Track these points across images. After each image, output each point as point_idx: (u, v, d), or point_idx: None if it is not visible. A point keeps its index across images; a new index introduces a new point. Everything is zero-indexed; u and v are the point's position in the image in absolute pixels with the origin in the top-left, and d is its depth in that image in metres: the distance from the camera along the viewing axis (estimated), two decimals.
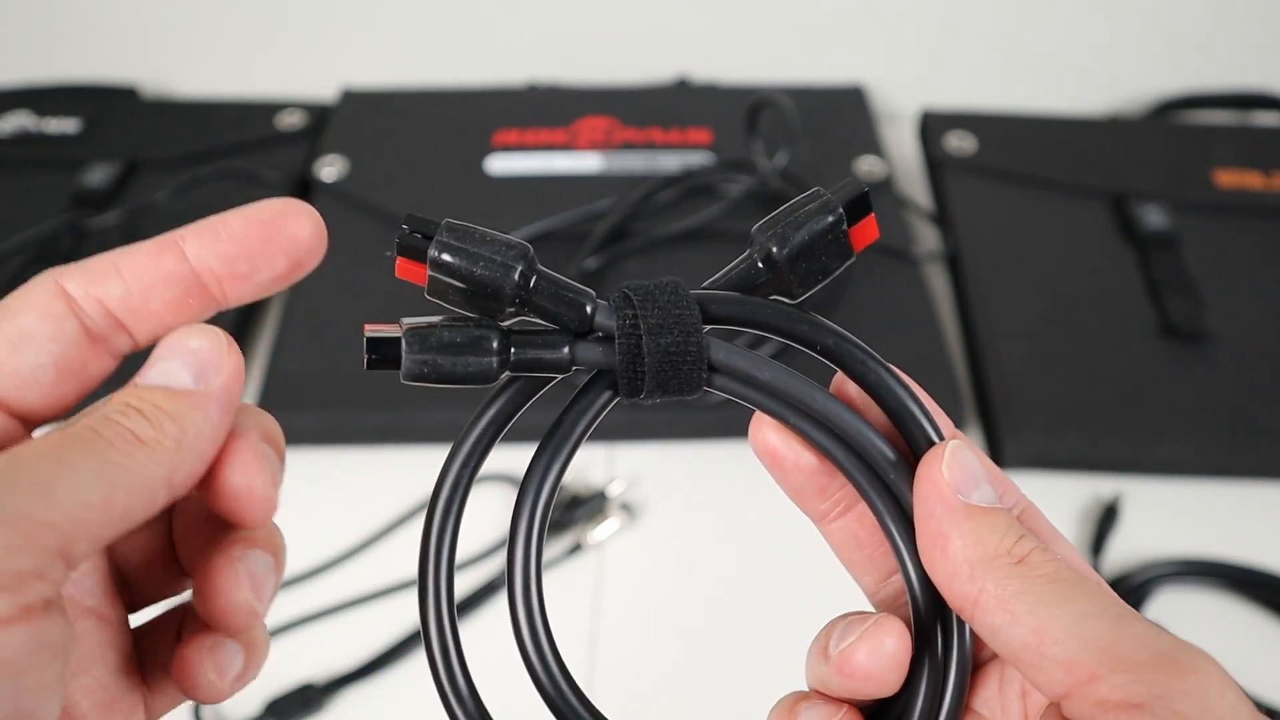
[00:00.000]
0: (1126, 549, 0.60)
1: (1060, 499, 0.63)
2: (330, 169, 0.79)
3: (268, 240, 0.25)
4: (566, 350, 0.25)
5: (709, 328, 0.25)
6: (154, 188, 0.77)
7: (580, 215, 0.74)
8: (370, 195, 0.77)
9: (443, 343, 0.24)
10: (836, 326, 0.26)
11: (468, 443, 0.25)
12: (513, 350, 0.24)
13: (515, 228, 0.72)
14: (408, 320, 0.24)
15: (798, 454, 0.26)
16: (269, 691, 0.52)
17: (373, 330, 0.24)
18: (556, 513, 0.60)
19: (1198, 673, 0.21)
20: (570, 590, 0.58)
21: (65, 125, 0.84)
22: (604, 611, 0.57)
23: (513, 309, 0.24)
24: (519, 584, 0.26)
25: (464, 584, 0.57)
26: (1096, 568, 0.59)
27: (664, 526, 0.61)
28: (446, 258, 0.23)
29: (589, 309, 0.25)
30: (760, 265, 0.26)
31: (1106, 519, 0.61)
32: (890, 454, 0.26)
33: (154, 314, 0.24)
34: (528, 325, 0.25)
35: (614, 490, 0.62)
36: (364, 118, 0.85)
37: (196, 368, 0.24)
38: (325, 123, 0.85)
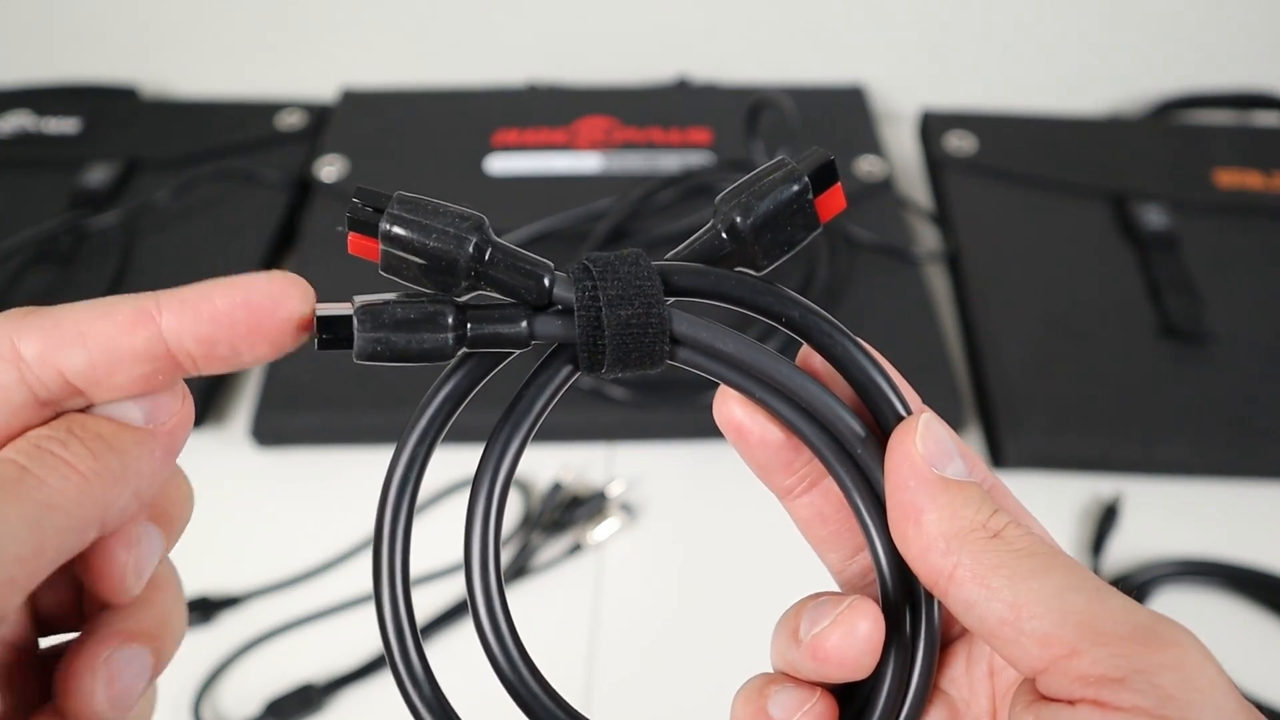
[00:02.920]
0: (1126, 549, 0.60)
1: (1060, 499, 0.63)
2: (330, 169, 0.79)
3: (254, 326, 0.22)
4: (524, 324, 0.24)
5: (671, 300, 0.25)
6: (154, 188, 0.77)
7: (580, 215, 0.74)
8: None
9: (396, 319, 0.23)
10: (802, 298, 0.26)
11: (423, 419, 0.24)
12: (469, 325, 0.23)
13: (515, 228, 0.72)
14: (360, 298, 0.23)
15: (763, 428, 0.26)
16: (269, 692, 0.52)
17: (323, 309, 0.23)
18: (556, 513, 0.60)
19: (1178, 646, 0.20)
20: (570, 590, 0.58)
21: (65, 125, 0.84)
22: (604, 611, 0.57)
23: (468, 283, 0.23)
24: (476, 570, 0.25)
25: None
26: (1096, 568, 0.59)
27: (664, 526, 0.61)
28: (398, 230, 0.23)
29: (547, 281, 0.24)
30: (724, 236, 0.25)
31: (1106, 519, 0.61)
32: (858, 429, 0.25)
33: (117, 386, 0.22)
34: (485, 299, 0.24)
35: (614, 490, 0.62)
36: (364, 118, 0.85)
37: (148, 407, 0.23)
38: (325, 123, 0.85)
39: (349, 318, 0.23)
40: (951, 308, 0.74)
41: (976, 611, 0.22)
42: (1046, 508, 0.62)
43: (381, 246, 0.23)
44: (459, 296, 0.24)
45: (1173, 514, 0.62)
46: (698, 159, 0.80)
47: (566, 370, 0.25)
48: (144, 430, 0.22)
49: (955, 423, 0.64)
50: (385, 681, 0.54)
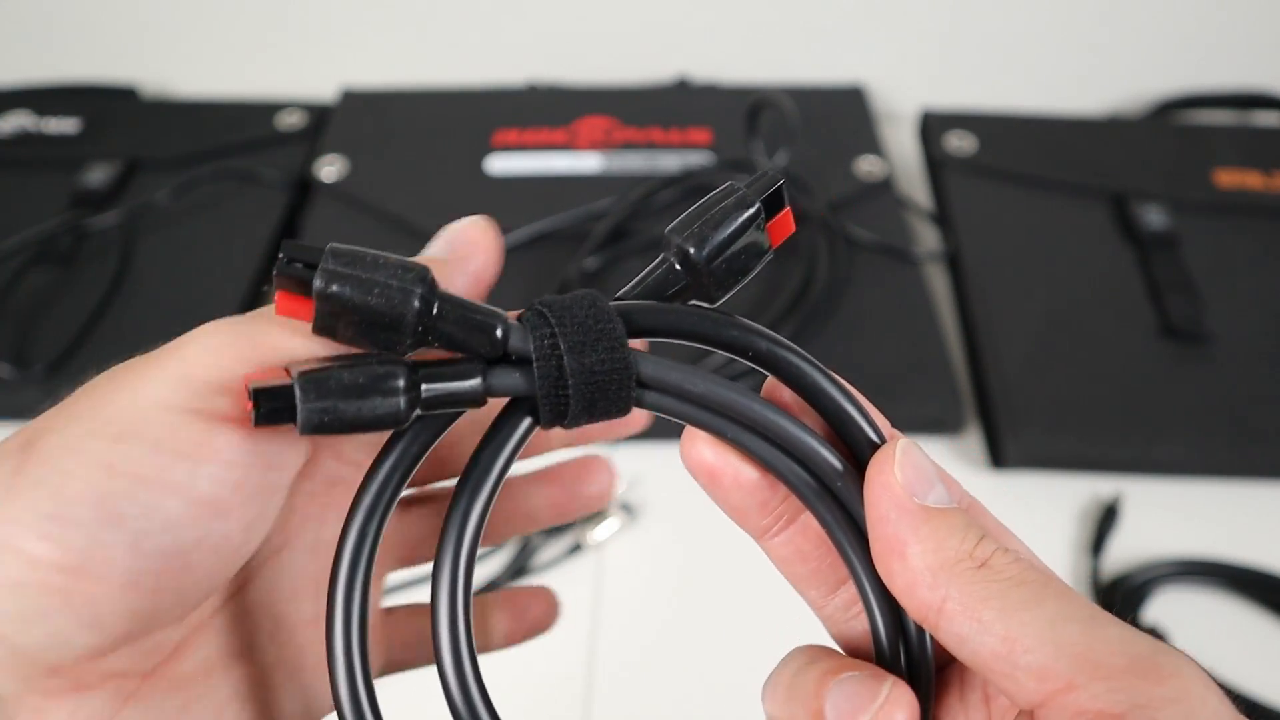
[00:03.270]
0: (1126, 549, 0.60)
1: (1060, 499, 0.63)
2: (330, 169, 0.79)
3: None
4: (479, 380, 0.22)
5: (631, 341, 0.23)
6: (154, 188, 0.77)
7: (580, 215, 0.74)
8: (370, 195, 0.77)
9: (343, 386, 0.21)
10: (765, 329, 0.25)
11: (369, 493, 0.23)
12: (422, 386, 0.22)
13: (515, 228, 0.72)
14: (293, 363, 0.22)
15: (736, 469, 0.24)
16: None
17: (258, 380, 0.21)
18: None
19: (1178, 677, 0.19)
20: (570, 590, 0.58)
21: (65, 125, 0.84)
22: (604, 611, 0.57)
23: (413, 340, 0.21)
24: (446, 652, 0.23)
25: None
26: (1096, 568, 0.59)
27: (664, 526, 0.61)
28: (335, 289, 0.21)
29: (500, 332, 0.22)
30: (678, 268, 0.24)
31: (1106, 519, 0.61)
32: (835, 463, 0.24)
33: None
34: (431, 355, 0.23)
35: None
36: (364, 118, 0.85)
37: (448, 242, 0.25)
38: (325, 123, 0.85)
39: (289, 388, 0.21)
40: (951, 308, 0.74)
41: (969, 646, 0.21)
42: (1046, 508, 0.63)
43: (316, 306, 0.21)
44: (402, 354, 0.22)
45: (1172, 514, 0.62)
46: (698, 159, 0.80)
47: (525, 424, 0.24)
48: (437, 260, 0.25)
49: (955, 423, 0.64)
50: (385, 681, 0.54)
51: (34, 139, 0.83)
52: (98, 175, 0.78)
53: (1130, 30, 0.91)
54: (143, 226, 0.75)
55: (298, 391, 0.21)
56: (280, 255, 0.21)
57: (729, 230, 0.24)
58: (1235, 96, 0.91)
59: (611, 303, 0.24)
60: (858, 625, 0.26)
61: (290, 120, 0.85)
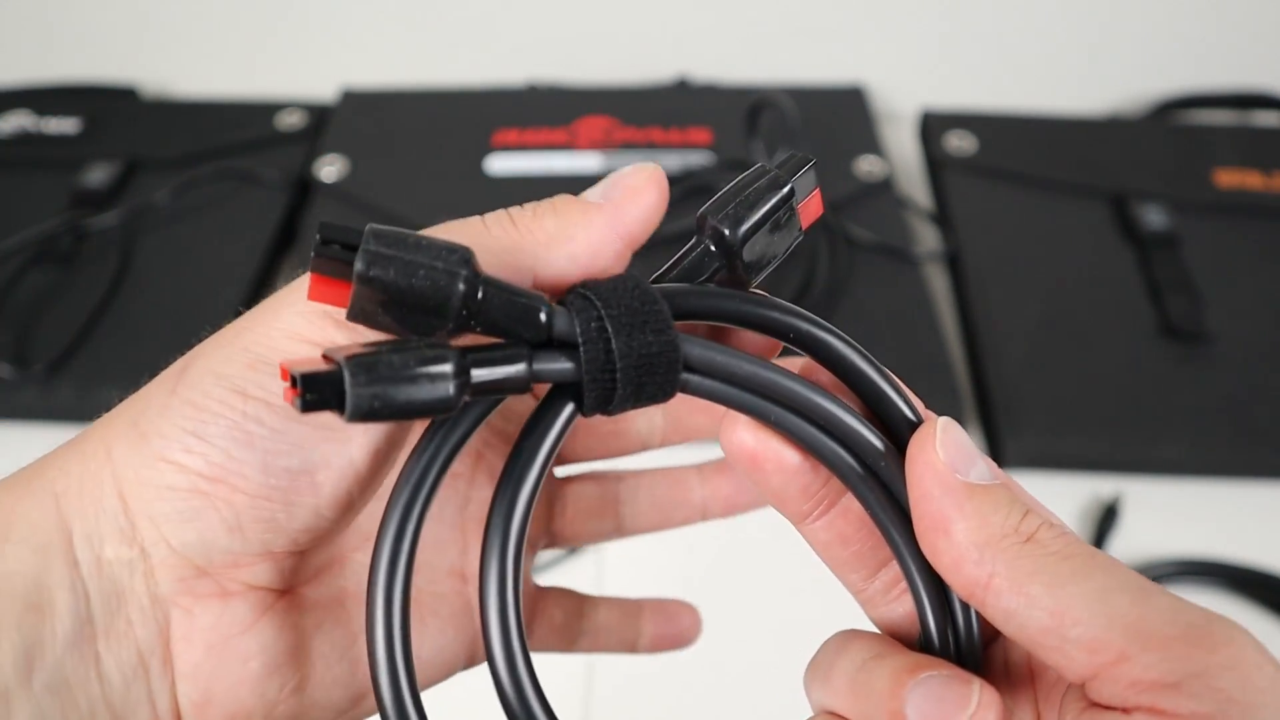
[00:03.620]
0: (1126, 549, 0.60)
1: (1060, 499, 0.63)
2: (330, 169, 0.79)
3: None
4: (525, 365, 0.22)
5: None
6: (154, 188, 0.77)
7: None
8: (370, 195, 0.77)
9: (393, 370, 0.20)
10: (805, 311, 0.24)
11: (407, 485, 0.22)
12: (472, 372, 0.21)
13: None
14: (331, 350, 0.20)
15: (779, 453, 0.24)
16: None
17: (302, 366, 0.20)
18: None
19: (1232, 645, 0.19)
20: None
21: (65, 125, 0.84)
22: None
23: (455, 324, 0.21)
24: (498, 647, 0.23)
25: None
26: None
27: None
28: (377, 272, 0.20)
29: (543, 315, 0.22)
30: (714, 250, 0.24)
31: (1106, 519, 0.61)
32: (878, 443, 0.24)
33: None
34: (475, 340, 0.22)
35: None
36: (364, 118, 0.85)
37: (608, 186, 0.25)
38: (325, 123, 0.85)
39: (337, 373, 0.20)
40: (951, 308, 0.74)
41: (1017, 620, 0.21)
42: (1047, 508, 0.63)
43: (354, 290, 0.20)
44: (444, 340, 0.21)
45: (1173, 514, 0.62)
46: (698, 159, 0.80)
47: (569, 411, 0.23)
48: (591, 204, 0.24)
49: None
50: None
51: (34, 139, 0.83)
52: (98, 175, 0.78)
53: (1130, 30, 0.91)
54: (143, 226, 0.75)
55: (346, 376, 0.20)
56: (317, 236, 0.20)
57: (763, 211, 0.24)
58: (1235, 96, 0.91)
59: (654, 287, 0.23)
60: (899, 608, 0.25)
61: (290, 120, 0.85)
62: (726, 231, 0.23)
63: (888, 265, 0.72)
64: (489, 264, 0.22)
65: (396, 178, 0.79)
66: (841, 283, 0.70)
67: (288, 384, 0.20)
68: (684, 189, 0.76)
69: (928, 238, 0.78)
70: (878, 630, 0.26)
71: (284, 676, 0.26)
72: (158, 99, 0.93)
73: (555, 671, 0.55)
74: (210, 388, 0.22)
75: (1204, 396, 0.65)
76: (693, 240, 0.24)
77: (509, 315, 0.21)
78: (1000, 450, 0.63)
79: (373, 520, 0.25)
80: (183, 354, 0.24)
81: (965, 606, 0.24)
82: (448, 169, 0.80)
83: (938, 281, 0.76)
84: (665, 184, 0.25)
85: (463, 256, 0.21)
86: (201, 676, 0.24)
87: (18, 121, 0.84)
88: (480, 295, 0.21)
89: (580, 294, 0.23)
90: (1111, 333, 0.69)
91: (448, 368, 0.20)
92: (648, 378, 0.22)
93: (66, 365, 0.66)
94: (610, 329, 0.22)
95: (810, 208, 0.25)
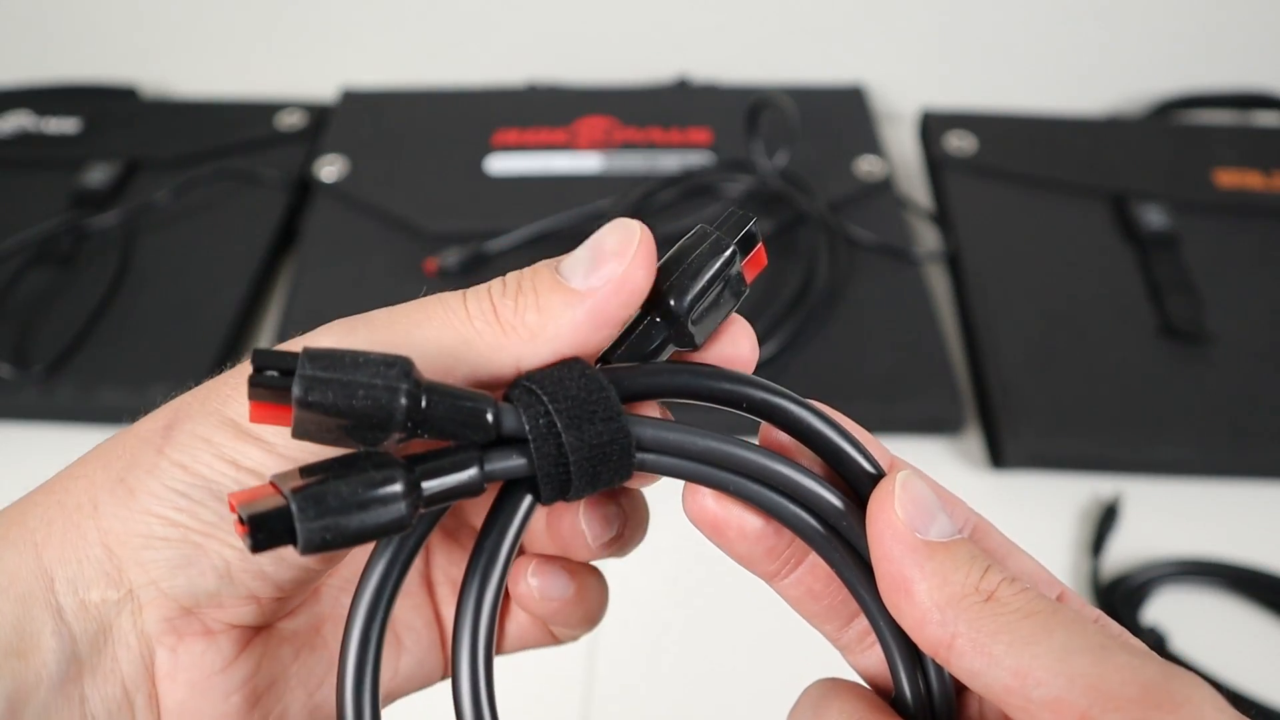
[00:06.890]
0: (1126, 549, 0.60)
1: (1060, 499, 0.63)
2: (330, 169, 0.79)
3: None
4: (476, 470, 0.22)
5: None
6: (154, 188, 0.77)
7: (580, 215, 0.74)
8: (370, 195, 0.77)
9: (341, 500, 0.19)
10: (756, 378, 0.24)
11: (363, 600, 0.22)
12: (423, 485, 0.21)
13: (515, 228, 0.72)
14: (278, 477, 0.20)
15: (741, 519, 0.25)
16: None
17: (248, 505, 0.19)
18: None
19: (1190, 704, 0.20)
20: None
21: (65, 125, 0.84)
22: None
23: (401, 435, 0.20)
24: None
25: None
26: (1096, 568, 0.59)
27: (663, 526, 0.61)
28: (315, 397, 0.19)
29: (490, 415, 0.22)
30: (659, 321, 0.24)
31: (1106, 519, 0.61)
32: (838, 503, 0.24)
33: None
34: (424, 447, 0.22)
35: None
36: (364, 118, 0.85)
37: (590, 263, 0.23)
38: (325, 123, 0.85)
39: (285, 509, 0.19)
40: (951, 308, 0.74)
41: (982, 680, 0.21)
42: (1046, 508, 0.63)
43: (295, 414, 0.20)
44: (389, 450, 0.21)
45: (1173, 514, 0.62)
46: (698, 159, 0.80)
47: (527, 503, 0.23)
48: (573, 292, 0.23)
49: (955, 423, 0.64)
50: None
51: (34, 139, 0.83)
52: (98, 175, 0.78)
53: (1130, 30, 0.91)
54: (143, 226, 0.75)
55: (295, 511, 0.19)
56: (252, 364, 0.20)
57: (707, 277, 0.24)
58: (1235, 96, 0.91)
59: (598, 367, 0.23)
60: (874, 654, 0.26)
61: (290, 120, 0.85)
62: (672, 302, 0.24)
63: (888, 265, 0.72)
64: (471, 359, 0.23)
65: (396, 178, 0.79)
66: (841, 283, 0.70)
67: (235, 518, 0.19)
68: (684, 189, 0.76)
69: (928, 238, 0.78)
70: (857, 676, 0.27)
71: (265, 708, 0.26)
72: (158, 99, 0.93)
73: (555, 672, 0.55)
74: (199, 453, 0.23)
75: (1204, 396, 0.65)
76: (639, 313, 0.24)
77: (455, 420, 0.21)
78: (1000, 450, 0.63)
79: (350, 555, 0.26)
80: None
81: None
82: (448, 169, 0.80)
83: (938, 281, 0.76)
84: (652, 249, 0.24)
85: (402, 369, 0.20)
86: (186, 714, 0.25)
87: (18, 121, 0.84)
88: (424, 404, 0.21)
89: (525, 388, 0.22)
90: (1111, 333, 0.69)
91: (398, 488, 0.20)
92: (602, 465, 0.22)
93: (66, 365, 0.66)
94: (559, 423, 0.22)
95: (754, 262, 0.25)
